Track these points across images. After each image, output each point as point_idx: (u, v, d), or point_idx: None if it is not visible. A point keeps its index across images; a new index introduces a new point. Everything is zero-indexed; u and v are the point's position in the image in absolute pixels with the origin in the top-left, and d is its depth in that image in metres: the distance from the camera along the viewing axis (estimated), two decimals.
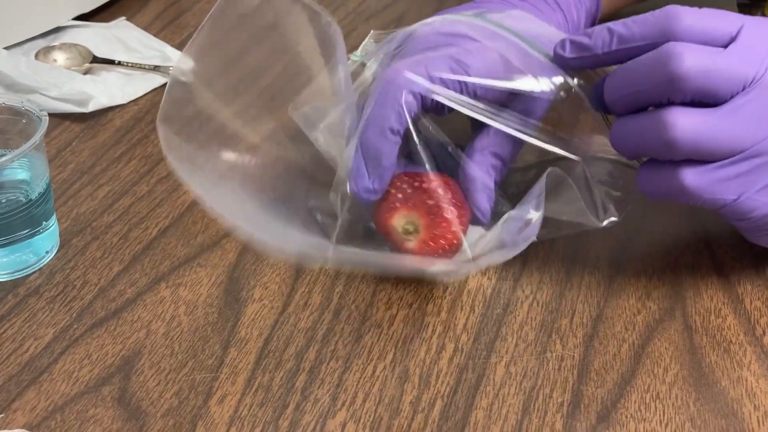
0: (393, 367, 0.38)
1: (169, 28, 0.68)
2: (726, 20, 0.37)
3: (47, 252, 0.44)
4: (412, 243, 0.40)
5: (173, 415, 0.35)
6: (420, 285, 0.42)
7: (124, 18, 0.67)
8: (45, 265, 0.43)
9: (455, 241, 0.40)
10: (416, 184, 0.40)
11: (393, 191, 0.40)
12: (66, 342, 0.39)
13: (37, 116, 0.41)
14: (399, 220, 0.40)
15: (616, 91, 0.38)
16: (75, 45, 0.61)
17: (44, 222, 0.43)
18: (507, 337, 0.39)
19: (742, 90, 0.36)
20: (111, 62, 0.60)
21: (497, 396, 0.37)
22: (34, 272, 0.43)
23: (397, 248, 0.40)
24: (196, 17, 0.70)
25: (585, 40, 0.39)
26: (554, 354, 0.39)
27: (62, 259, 0.44)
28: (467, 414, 0.36)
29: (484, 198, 0.41)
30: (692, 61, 0.35)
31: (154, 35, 0.65)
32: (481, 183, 0.41)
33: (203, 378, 0.37)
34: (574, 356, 0.38)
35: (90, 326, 0.40)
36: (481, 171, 0.41)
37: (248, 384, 0.37)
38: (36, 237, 0.42)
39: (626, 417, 0.36)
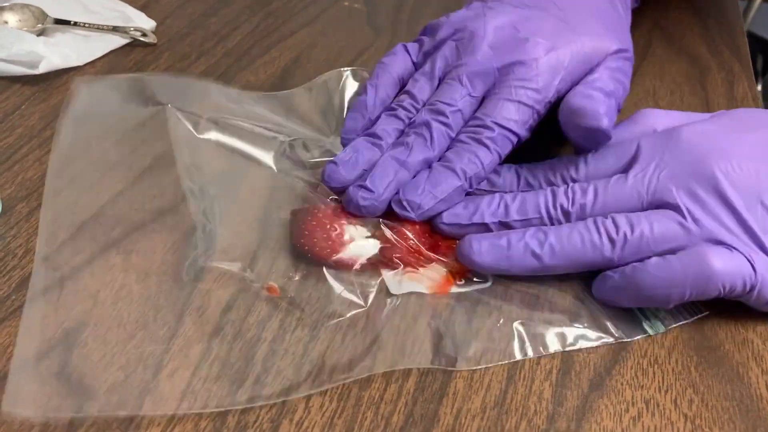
0: (364, 335, 0.34)
1: None
2: None
3: None
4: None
5: (118, 391, 0.32)
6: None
7: None
8: None
9: None
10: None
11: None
12: (2, 314, 0.35)
13: None
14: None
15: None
16: (27, 5, 0.57)
17: None
18: (489, 302, 0.36)
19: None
20: (67, 23, 0.56)
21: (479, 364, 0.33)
22: None
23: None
24: None
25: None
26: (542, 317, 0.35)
27: (4, 227, 0.40)
28: (446, 384, 0.32)
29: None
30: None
31: None
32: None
33: (153, 350, 0.33)
34: (563, 319, 0.35)
35: (30, 297, 0.36)
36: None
37: (203, 356, 0.33)
38: None
39: (622, 384, 0.32)
